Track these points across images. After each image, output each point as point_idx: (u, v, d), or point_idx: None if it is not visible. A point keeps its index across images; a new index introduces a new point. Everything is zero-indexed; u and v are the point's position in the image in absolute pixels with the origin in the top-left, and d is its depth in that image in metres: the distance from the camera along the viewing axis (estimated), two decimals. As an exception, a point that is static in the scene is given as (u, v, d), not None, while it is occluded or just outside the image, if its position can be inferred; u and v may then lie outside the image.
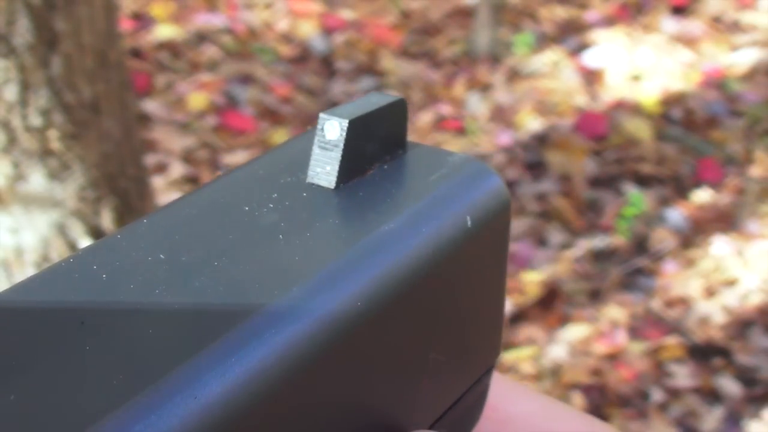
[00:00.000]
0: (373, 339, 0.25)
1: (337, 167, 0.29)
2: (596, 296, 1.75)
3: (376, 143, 0.30)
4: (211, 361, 0.20)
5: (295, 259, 0.25)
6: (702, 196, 1.97)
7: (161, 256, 0.24)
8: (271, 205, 0.27)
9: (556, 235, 1.88)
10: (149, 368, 0.20)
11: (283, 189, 0.28)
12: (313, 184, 0.29)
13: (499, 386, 0.34)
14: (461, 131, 2.13)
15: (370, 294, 0.25)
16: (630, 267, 1.80)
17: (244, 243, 0.25)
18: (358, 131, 0.29)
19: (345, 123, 0.29)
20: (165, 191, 1.87)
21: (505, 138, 2.10)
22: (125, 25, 2.28)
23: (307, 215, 0.27)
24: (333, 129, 0.29)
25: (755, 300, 1.72)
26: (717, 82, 2.30)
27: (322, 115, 0.29)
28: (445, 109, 2.20)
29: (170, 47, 2.30)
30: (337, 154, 0.29)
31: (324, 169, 0.29)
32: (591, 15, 2.53)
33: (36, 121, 0.98)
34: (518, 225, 1.89)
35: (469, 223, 0.29)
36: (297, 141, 0.32)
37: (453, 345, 0.30)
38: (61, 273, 0.23)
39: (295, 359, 0.22)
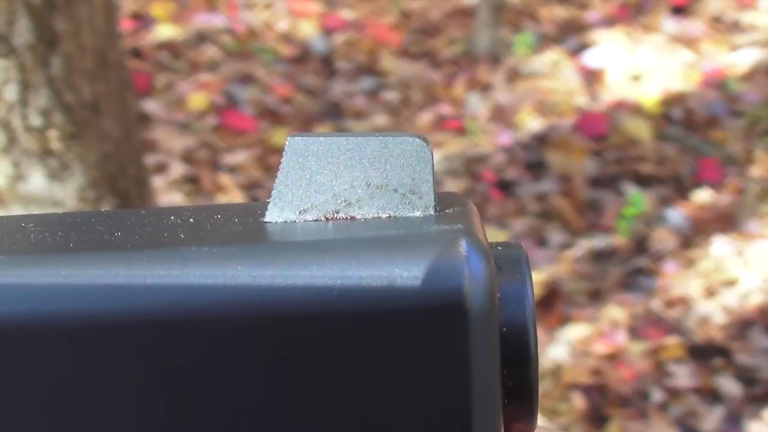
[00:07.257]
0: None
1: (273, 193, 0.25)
2: (596, 296, 1.75)
3: (362, 183, 0.24)
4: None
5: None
6: (702, 196, 1.97)
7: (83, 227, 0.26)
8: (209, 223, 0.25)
9: (556, 235, 1.88)
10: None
11: (239, 215, 0.26)
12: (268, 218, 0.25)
13: None
14: (461, 131, 2.13)
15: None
16: (630, 267, 1.80)
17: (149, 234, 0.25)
18: (314, 155, 0.24)
19: (289, 140, 0.25)
20: (165, 191, 1.87)
21: (505, 138, 2.10)
22: (125, 25, 2.28)
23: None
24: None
25: (755, 300, 1.72)
26: (717, 82, 2.29)
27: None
28: (445, 109, 2.20)
29: (170, 47, 2.30)
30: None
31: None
32: (591, 15, 2.53)
33: (36, 121, 0.98)
34: (518, 225, 1.89)
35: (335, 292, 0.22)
36: None
37: None
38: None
39: None
